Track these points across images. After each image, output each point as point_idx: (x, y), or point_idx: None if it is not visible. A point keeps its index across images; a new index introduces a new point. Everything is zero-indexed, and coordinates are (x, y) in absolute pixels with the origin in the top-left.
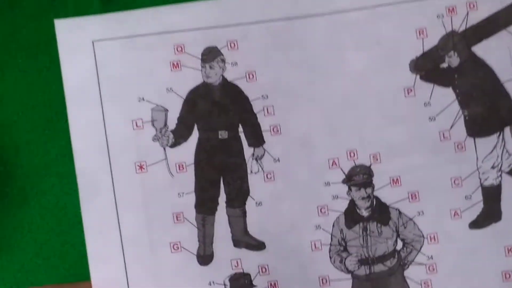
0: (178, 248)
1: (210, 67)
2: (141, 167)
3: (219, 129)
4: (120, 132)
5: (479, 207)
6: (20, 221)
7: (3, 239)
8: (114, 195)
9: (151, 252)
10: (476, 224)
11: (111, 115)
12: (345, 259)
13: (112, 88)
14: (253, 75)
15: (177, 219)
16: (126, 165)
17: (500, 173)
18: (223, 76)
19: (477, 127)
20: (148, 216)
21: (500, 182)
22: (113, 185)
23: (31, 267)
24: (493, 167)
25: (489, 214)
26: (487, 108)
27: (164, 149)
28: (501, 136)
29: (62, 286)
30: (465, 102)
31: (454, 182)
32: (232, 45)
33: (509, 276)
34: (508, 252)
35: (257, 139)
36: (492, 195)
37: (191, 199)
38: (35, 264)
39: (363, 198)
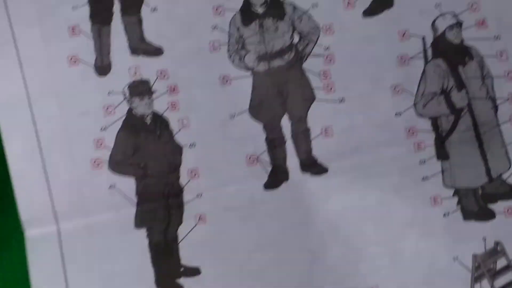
0: (75, 61)
1: None
2: None
3: None
4: None
5: None
6: None
7: None
8: (7, 13)
9: (49, 68)
10: (369, 11)
11: None
12: (244, 56)
13: None
14: None
15: (73, 32)
16: None
17: None
18: None
19: None
20: (44, 32)
21: None
22: (5, 2)
23: None
24: None
25: (381, 0)
26: None
27: None
28: None
29: None
30: None
31: None
32: None
33: (405, 60)
34: (402, 37)
35: None
36: None
37: (86, 11)
38: None
39: None
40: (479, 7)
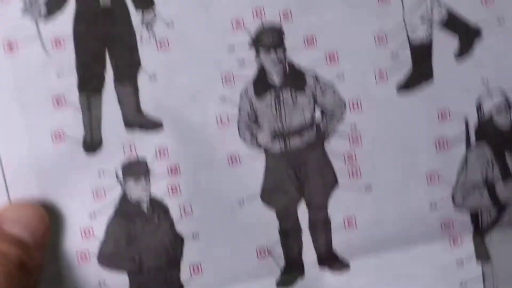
0: (60, 137)
1: None
2: (10, 47)
3: None
4: None
5: (408, 66)
6: None
7: None
8: None
9: (29, 144)
10: (405, 86)
11: None
12: (257, 133)
13: None
14: None
15: (57, 103)
16: None
17: (430, 25)
18: None
19: None
20: (23, 103)
21: (431, 36)
22: None
23: None
24: (422, 20)
25: (419, 73)
26: None
27: (36, 22)
28: None
29: None
30: None
31: (378, 38)
32: None
33: (443, 143)
34: (442, 117)
35: None
36: (422, 51)
37: (73, 78)
38: None
39: (273, 62)
40: None
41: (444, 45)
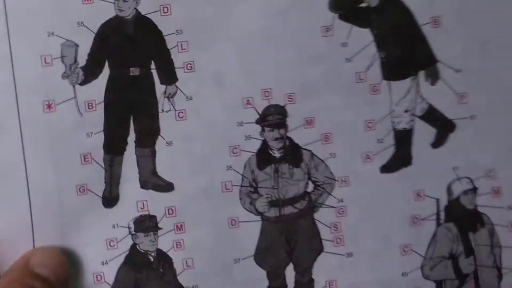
0: (84, 190)
1: (123, 0)
2: (49, 106)
3: (130, 66)
4: (28, 68)
5: (391, 151)
6: None
7: None
8: (21, 135)
9: (57, 195)
10: (387, 168)
11: (19, 50)
12: (255, 200)
13: (20, 21)
14: (167, 9)
15: (84, 160)
16: (33, 103)
17: (413, 117)
18: (136, 9)
19: (393, 70)
20: (55, 157)
21: (412, 126)
22: (19, 124)
23: None
24: (406, 111)
25: (400, 158)
26: (403, 51)
27: (74, 86)
28: (415, 80)
29: None
30: (382, 44)
31: (368, 125)
32: None
33: (417, 220)
34: (417, 197)
35: (169, 76)
36: (403, 139)
37: (100, 139)
38: None
39: (276, 139)
40: (496, 175)
41: (423, 134)
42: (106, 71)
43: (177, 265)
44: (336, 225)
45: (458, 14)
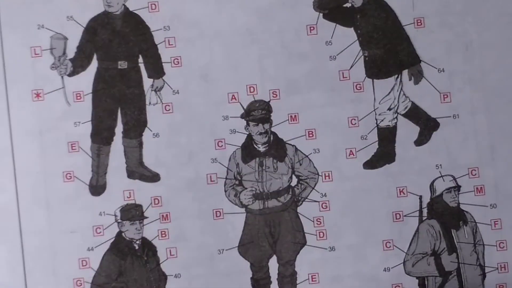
0: (70, 177)
1: None
2: (37, 95)
3: (118, 59)
4: (17, 58)
5: (374, 147)
6: None
7: None
8: (9, 123)
9: (43, 181)
10: (370, 164)
11: (10, 41)
12: (240, 193)
13: (11, 14)
14: (155, 5)
15: (72, 148)
16: (22, 92)
17: (396, 115)
18: (124, 5)
19: (376, 68)
20: (43, 144)
21: (396, 124)
22: (8, 112)
23: None
24: (389, 109)
25: (383, 155)
26: (386, 50)
27: (62, 77)
28: (399, 79)
29: None
30: (366, 43)
31: (351, 121)
32: None
33: (400, 216)
34: (400, 193)
35: (156, 70)
36: (387, 136)
37: (87, 129)
38: None
39: (260, 134)
40: (479, 173)
41: (407, 132)
42: (94, 63)
43: (161, 254)
44: (319, 219)
45: (441, 15)
